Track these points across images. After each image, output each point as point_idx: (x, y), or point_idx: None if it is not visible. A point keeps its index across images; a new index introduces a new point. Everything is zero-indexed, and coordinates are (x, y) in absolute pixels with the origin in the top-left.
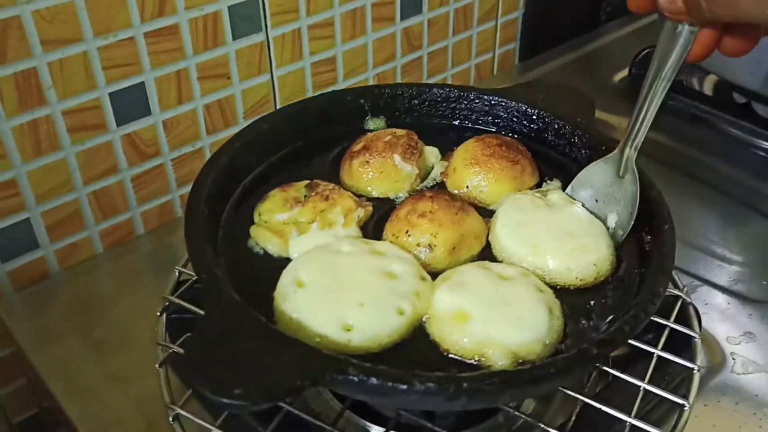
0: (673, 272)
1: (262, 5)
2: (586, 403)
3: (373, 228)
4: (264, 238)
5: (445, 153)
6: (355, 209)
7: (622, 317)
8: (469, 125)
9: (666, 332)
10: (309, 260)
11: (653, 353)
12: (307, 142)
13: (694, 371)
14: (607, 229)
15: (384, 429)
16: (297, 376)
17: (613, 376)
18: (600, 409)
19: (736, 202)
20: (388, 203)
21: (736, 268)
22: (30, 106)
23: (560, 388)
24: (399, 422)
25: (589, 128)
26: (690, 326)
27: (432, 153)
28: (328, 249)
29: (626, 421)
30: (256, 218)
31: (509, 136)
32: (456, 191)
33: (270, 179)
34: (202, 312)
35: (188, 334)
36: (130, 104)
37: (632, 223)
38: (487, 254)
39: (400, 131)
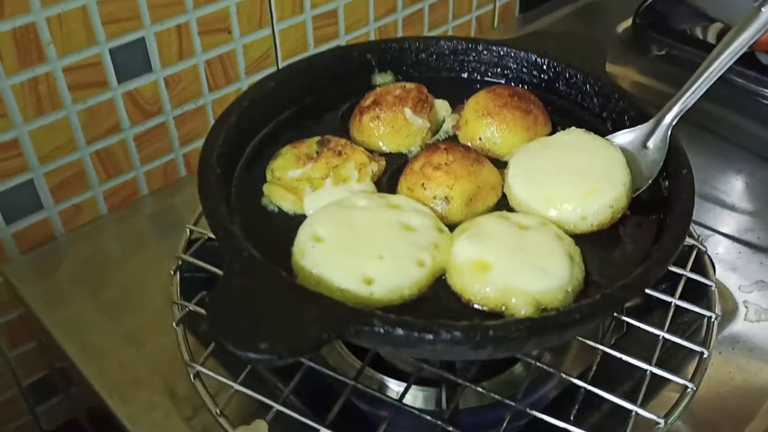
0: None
1: None
2: (606, 353)
3: (387, 183)
4: (278, 196)
5: (456, 106)
6: (368, 164)
7: (644, 263)
8: (478, 77)
9: (682, 281)
10: (325, 215)
11: (671, 302)
12: (315, 99)
13: (712, 319)
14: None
15: (405, 384)
16: (322, 329)
17: (628, 325)
18: (618, 358)
19: (743, 151)
20: (401, 158)
21: (746, 217)
22: (29, 64)
23: (579, 338)
24: (420, 377)
25: (600, 76)
26: (706, 275)
27: (442, 106)
28: (344, 204)
29: (646, 370)
30: (268, 176)
31: (520, 87)
32: (469, 143)
33: (280, 137)
34: (215, 270)
35: (204, 292)
36: (131, 61)
37: (649, 183)
38: (503, 206)
39: (409, 85)
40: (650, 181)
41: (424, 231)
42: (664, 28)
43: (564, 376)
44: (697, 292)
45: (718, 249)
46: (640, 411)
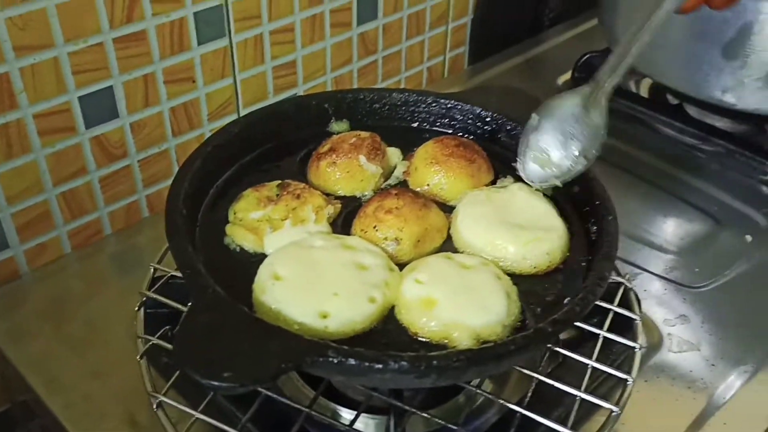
0: (616, 262)
1: (226, 12)
2: (541, 381)
3: (342, 224)
4: (240, 236)
5: (407, 153)
6: (325, 206)
7: (572, 300)
8: (428, 127)
9: (610, 315)
10: (285, 255)
11: (599, 334)
12: (275, 144)
13: (636, 350)
14: (574, 156)
15: (355, 412)
16: (281, 360)
17: (564, 356)
18: (553, 385)
19: (671, 196)
20: (355, 201)
21: (672, 256)
22: (1, 110)
23: (517, 368)
24: (369, 405)
25: None
26: (631, 310)
27: (394, 153)
28: (302, 244)
29: (576, 396)
30: (231, 217)
31: (465, 137)
32: (418, 189)
33: (242, 180)
34: (178, 306)
35: (167, 327)
36: (99, 107)
37: (596, 155)
38: (448, 246)
39: (364, 133)
40: (596, 153)
41: (376, 270)
42: None
43: (502, 402)
44: (625, 325)
45: (647, 286)
46: None
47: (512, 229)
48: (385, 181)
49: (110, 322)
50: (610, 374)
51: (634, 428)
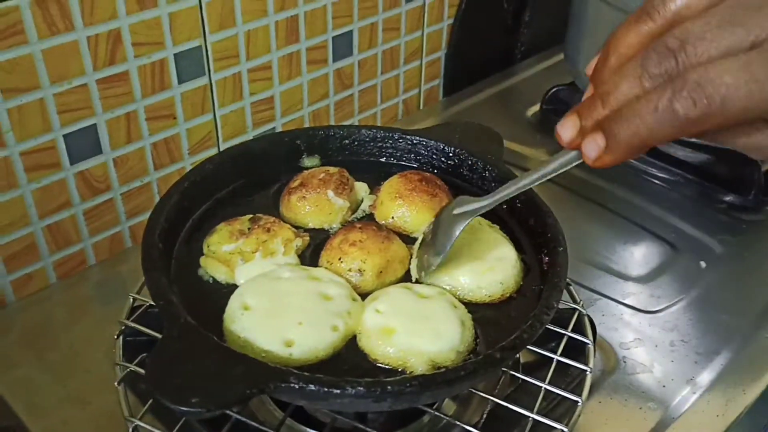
0: (572, 288)
1: (205, 51)
2: (497, 403)
3: (310, 256)
4: (212, 268)
5: (373, 187)
6: (293, 239)
7: (522, 327)
8: (395, 162)
9: (564, 340)
10: (254, 286)
11: (553, 358)
12: (249, 179)
13: (587, 372)
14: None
15: None
16: (246, 385)
17: (522, 379)
18: (508, 407)
19: (632, 224)
20: (323, 233)
21: (630, 282)
22: None
23: (474, 391)
24: (334, 426)
25: (497, 163)
26: (584, 334)
27: (362, 188)
28: (271, 275)
29: (529, 417)
30: (204, 249)
31: (429, 172)
32: (383, 222)
33: (216, 214)
34: (156, 334)
35: (144, 354)
36: (83, 144)
37: (440, 260)
38: (410, 277)
39: (332, 169)
40: (440, 260)
41: (340, 300)
42: (566, 113)
43: (462, 425)
44: (579, 349)
45: (605, 311)
46: None
47: (468, 259)
48: (352, 213)
49: (91, 350)
50: (564, 397)
51: None
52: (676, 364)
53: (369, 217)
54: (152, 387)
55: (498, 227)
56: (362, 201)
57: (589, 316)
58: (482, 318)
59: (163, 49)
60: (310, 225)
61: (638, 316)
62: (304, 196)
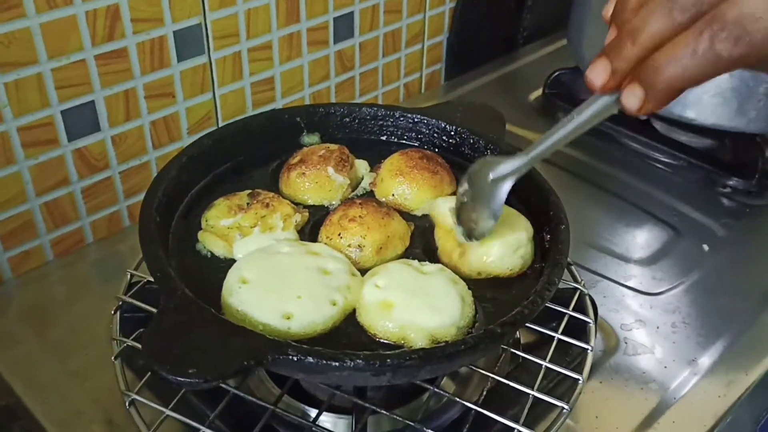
0: (573, 268)
1: (205, 30)
2: (498, 381)
3: (309, 232)
4: (210, 242)
5: (374, 165)
6: (293, 215)
7: (523, 303)
8: (395, 140)
9: (565, 319)
10: (252, 260)
11: (554, 337)
12: (248, 156)
13: (588, 351)
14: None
15: (317, 410)
16: (244, 357)
17: (522, 357)
18: (509, 385)
19: (634, 208)
20: (323, 210)
21: (631, 265)
22: None
23: (475, 368)
24: (332, 404)
25: (499, 142)
26: (586, 314)
27: (362, 165)
28: (269, 250)
29: (530, 394)
30: (203, 224)
31: (430, 150)
32: (383, 199)
33: (215, 190)
34: (153, 309)
35: (141, 330)
36: (81, 121)
37: (494, 223)
38: (410, 254)
39: (333, 146)
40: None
41: (339, 274)
42: (569, 98)
43: (458, 400)
44: (580, 329)
45: (606, 292)
46: (521, 428)
47: (497, 234)
48: (352, 191)
49: (89, 327)
50: (565, 375)
51: (586, 426)
52: (677, 345)
53: (369, 195)
54: (149, 358)
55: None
56: (362, 178)
57: (590, 296)
58: (483, 295)
59: (163, 26)
60: (310, 202)
61: (640, 297)
62: (303, 173)
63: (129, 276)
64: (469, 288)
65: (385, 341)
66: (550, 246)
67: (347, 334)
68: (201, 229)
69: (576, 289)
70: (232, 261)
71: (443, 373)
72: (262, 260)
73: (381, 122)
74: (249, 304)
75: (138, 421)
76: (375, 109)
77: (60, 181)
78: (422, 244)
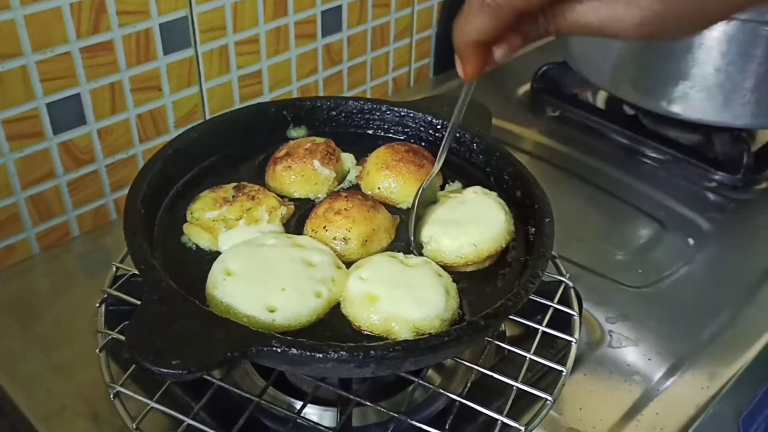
0: (558, 261)
1: (191, 23)
2: (482, 373)
3: (295, 225)
4: (195, 234)
5: (360, 159)
6: (278, 207)
7: (507, 295)
8: (382, 134)
9: (550, 312)
10: (237, 252)
11: (538, 329)
12: (234, 149)
13: (572, 343)
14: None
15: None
16: (228, 348)
17: (507, 350)
18: (493, 377)
19: (621, 202)
20: (309, 203)
21: (618, 258)
22: None
23: (460, 361)
24: (316, 396)
25: (484, 136)
26: (570, 306)
27: (348, 158)
28: (254, 242)
29: (513, 386)
30: (188, 217)
31: (417, 144)
32: (369, 192)
33: (201, 183)
34: (138, 302)
35: (126, 322)
36: (67, 114)
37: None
38: (395, 246)
39: (319, 139)
40: None
41: (323, 267)
42: (557, 92)
43: (442, 392)
44: (565, 322)
45: (591, 286)
46: (505, 420)
47: (448, 225)
48: (338, 184)
49: (76, 320)
50: (549, 367)
51: (570, 418)
52: (661, 338)
53: (355, 188)
54: (132, 349)
55: (496, 194)
56: (349, 172)
57: (575, 289)
58: (467, 288)
59: (148, 18)
60: (296, 195)
61: (625, 291)
62: (289, 166)
63: (114, 269)
64: (454, 281)
65: (369, 333)
66: (534, 239)
67: (332, 326)
68: (186, 221)
69: (561, 282)
70: (218, 253)
71: (427, 365)
72: (246, 252)
73: (368, 116)
74: (233, 296)
75: (122, 414)
76: (362, 102)
77: (45, 174)
78: (408, 237)
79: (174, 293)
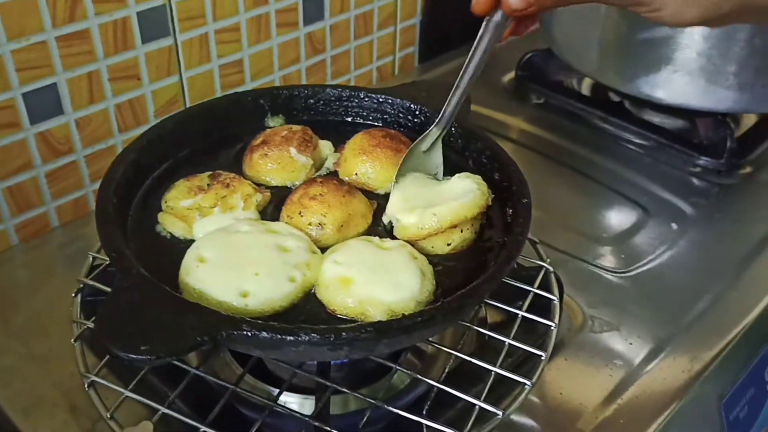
0: (539, 247)
1: (169, 11)
2: (462, 359)
3: (272, 213)
4: (170, 223)
5: (338, 146)
6: (253, 194)
7: (482, 276)
8: (361, 121)
9: (530, 297)
10: (210, 239)
11: (518, 315)
12: (212, 139)
13: (552, 328)
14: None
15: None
16: (198, 333)
17: (487, 336)
18: (471, 362)
19: (605, 188)
20: (286, 191)
21: (601, 244)
22: None
23: (439, 347)
24: (296, 384)
25: (463, 121)
26: (551, 291)
27: (326, 146)
28: (228, 229)
29: (492, 371)
30: (162, 205)
31: (396, 130)
32: (347, 178)
33: (178, 172)
34: None
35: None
36: (43, 104)
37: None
38: (372, 231)
39: (296, 127)
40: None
41: (298, 252)
42: (541, 80)
43: (419, 377)
44: (545, 306)
45: (573, 271)
46: (482, 404)
47: (418, 205)
48: (316, 172)
49: (54, 311)
50: (530, 352)
51: (550, 402)
52: (643, 322)
53: (333, 175)
54: (101, 336)
55: (480, 177)
56: (327, 159)
57: (555, 273)
58: (443, 270)
59: (125, 7)
60: (273, 183)
61: (607, 276)
62: (266, 154)
63: (91, 259)
64: (430, 263)
65: (344, 317)
66: (512, 220)
67: (306, 311)
68: (161, 211)
69: (541, 267)
70: (192, 242)
71: (402, 347)
72: (220, 239)
73: (346, 103)
74: (206, 282)
75: (97, 403)
76: (339, 90)
77: (23, 165)
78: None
79: (145, 280)
